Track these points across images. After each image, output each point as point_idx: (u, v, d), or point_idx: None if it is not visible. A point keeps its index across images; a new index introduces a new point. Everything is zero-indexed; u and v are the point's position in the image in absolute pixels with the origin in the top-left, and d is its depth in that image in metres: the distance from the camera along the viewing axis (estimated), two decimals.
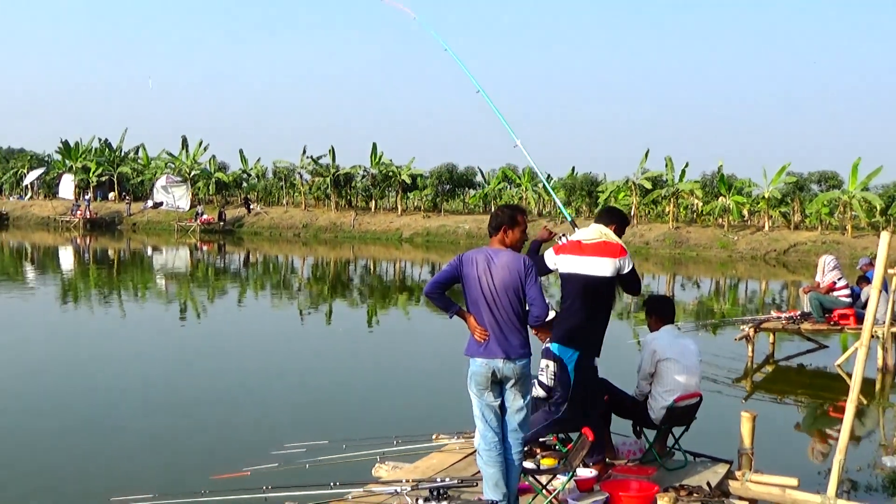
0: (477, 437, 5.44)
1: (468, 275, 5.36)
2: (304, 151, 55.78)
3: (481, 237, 49.44)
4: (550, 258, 6.28)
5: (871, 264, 16.05)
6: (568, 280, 6.14)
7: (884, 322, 14.10)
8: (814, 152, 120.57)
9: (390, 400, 12.02)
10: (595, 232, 6.13)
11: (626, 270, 6.12)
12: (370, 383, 13.24)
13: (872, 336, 14.01)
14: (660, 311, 6.82)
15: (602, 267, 6.02)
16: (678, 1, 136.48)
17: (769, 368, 15.49)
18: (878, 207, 44.20)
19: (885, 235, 6.07)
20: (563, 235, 6.51)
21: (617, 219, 6.39)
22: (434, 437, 7.35)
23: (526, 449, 6.37)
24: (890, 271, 14.82)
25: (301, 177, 56.84)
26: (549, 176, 53.72)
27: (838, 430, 11.62)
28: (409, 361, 15.49)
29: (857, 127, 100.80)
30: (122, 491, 6.27)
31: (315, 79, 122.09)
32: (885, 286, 14.58)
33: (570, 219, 6.92)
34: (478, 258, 5.40)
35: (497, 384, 5.36)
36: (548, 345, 6.36)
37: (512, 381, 5.37)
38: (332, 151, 54.83)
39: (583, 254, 6.05)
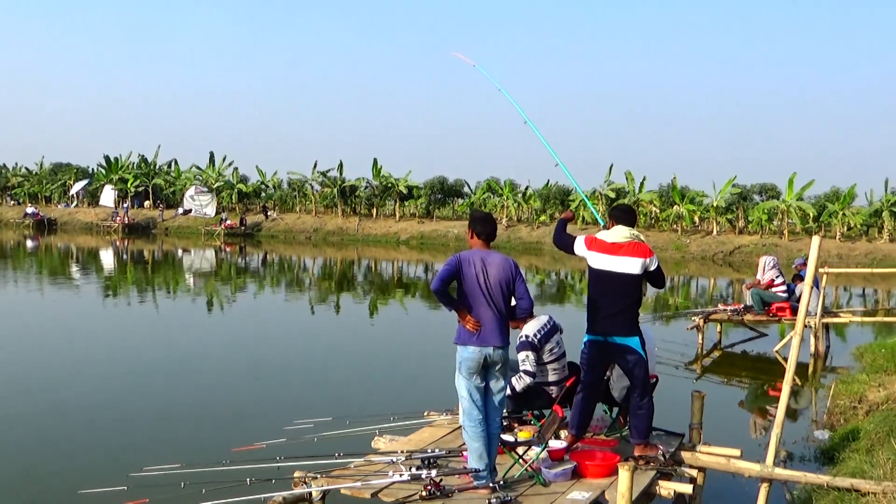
0: (462, 414, 5.41)
1: (467, 273, 5.33)
2: (315, 166, 55.73)
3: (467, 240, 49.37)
4: (581, 248, 6.15)
5: (805, 264, 16.08)
6: (602, 275, 6.01)
7: (816, 314, 14.15)
8: (756, 166, 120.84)
9: (388, 381, 11.98)
10: (626, 233, 6.01)
11: (652, 268, 6.03)
12: (370, 367, 13.19)
13: (805, 326, 14.13)
14: None
15: (634, 266, 5.93)
16: (638, 25, 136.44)
17: (717, 354, 15.53)
18: (811, 215, 44.33)
19: (815, 240, 6.08)
20: (604, 226, 6.42)
21: (635, 218, 6.33)
22: (426, 413, 7.31)
23: (505, 423, 6.37)
24: (821, 270, 14.91)
25: (312, 187, 56.70)
26: (527, 186, 53.84)
27: (776, 408, 11.68)
28: (404, 347, 15.46)
29: (793, 144, 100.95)
30: (154, 461, 6.21)
31: (326, 100, 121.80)
32: (816, 283, 14.61)
33: (602, 224, 6.87)
34: (474, 258, 5.38)
35: (484, 368, 5.34)
36: (526, 337, 6.33)
37: (498, 366, 5.37)
38: (341, 165, 54.85)
39: (617, 254, 5.94)
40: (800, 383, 12.53)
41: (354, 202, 56.26)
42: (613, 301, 5.94)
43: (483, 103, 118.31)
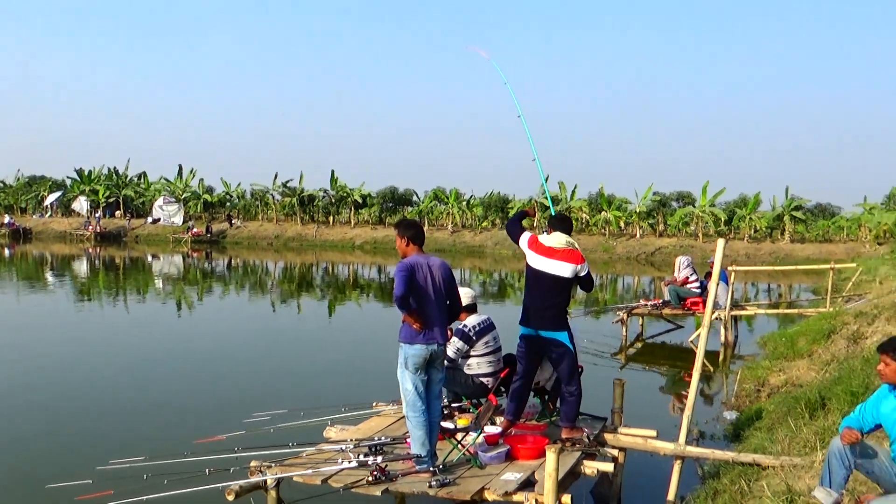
0: (406, 406, 5.37)
1: (418, 278, 5.30)
2: (276, 177, 55.20)
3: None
4: (524, 244, 6.23)
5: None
6: (537, 275, 6.10)
7: (725, 307, 14.44)
8: (674, 175, 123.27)
9: (340, 375, 11.86)
10: (563, 240, 6.11)
11: (582, 274, 6.14)
12: (325, 362, 13.06)
13: (716, 318, 14.43)
14: None
15: (566, 270, 6.02)
16: (556, 43, 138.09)
17: (639, 345, 15.71)
18: (722, 219, 45.39)
19: (720, 242, 6.20)
20: (544, 231, 6.51)
21: (571, 227, 6.44)
22: (374, 404, 7.26)
23: (446, 412, 6.36)
24: (730, 268, 15.23)
25: (273, 197, 56.07)
26: (472, 195, 54.04)
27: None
28: (357, 343, 15.33)
29: (706, 154, 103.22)
30: (120, 456, 6.04)
31: (288, 114, 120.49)
32: (725, 279, 14.94)
33: (553, 212, 6.94)
34: (420, 263, 5.35)
35: (428, 363, 5.31)
36: (464, 326, 6.34)
37: (439, 360, 5.36)
38: (301, 176, 54.44)
39: (552, 257, 6.04)
40: (711, 369, 12.74)
41: (313, 210, 55.83)
42: (545, 299, 6.03)
43: (429, 116, 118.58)
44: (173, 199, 56.14)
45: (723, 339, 14.38)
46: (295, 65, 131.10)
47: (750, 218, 44.99)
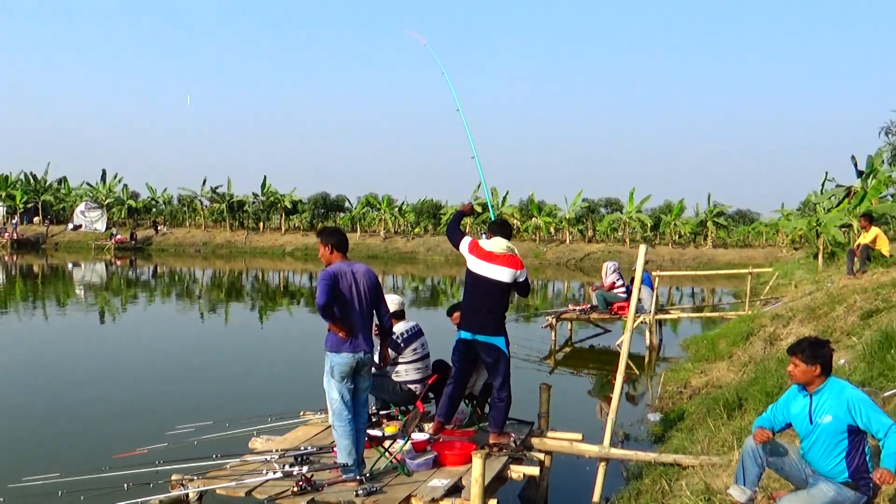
0: (332, 415, 5.31)
1: (343, 286, 5.25)
2: (205, 182, 54.01)
3: (349, 250, 48.96)
4: (464, 248, 6.26)
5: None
6: (477, 279, 6.13)
7: (650, 311, 14.79)
8: (602, 181, 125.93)
9: (267, 384, 11.62)
10: (503, 245, 6.17)
11: (521, 279, 6.21)
12: (252, 371, 12.78)
13: (641, 322, 14.77)
14: None
15: (505, 275, 6.09)
16: (491, 55, 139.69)
17: (568, 349, 15.93)
18: (649, 225, 46.56)
19: (642, 247, 6.35)
20: (484, 234, 6.49)
21: (511, 232, 6.53)
22: (301, 413, 7.16)
23: (373, 420, 6.32)
24: (654, 273, 15.61)
25: (201, 203, 54.88)
26: (404, 200, 54.02)
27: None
28: (285, 351, 15.08)
29: (633, 161, 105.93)
30: (35, 473, 5.79)
31: (215, 118, 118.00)
32: (650, 284, 15.30)
33: (493, 217, 6.94)
34: (345, 271, 5.30)
35: (352, 372, 5.27)
36: (392, 333, 6.30)
37: (365, 368, 5.32)
38: (229, 182, 53.45)
39: (492, 262, 6.09)
40: (637, 372, 13.04)
41: (242, 217, 54.85)
42: (484, 303, 6.08)
43: (362, 122, 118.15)
44: (96, 205, 54.31)
45: (648, 342, 14.71)
46: (223, 67, 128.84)
47: (675, 224, 46.31)
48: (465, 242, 6.27)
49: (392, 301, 6.34)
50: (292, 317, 21.50)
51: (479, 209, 49.04)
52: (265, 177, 53.16)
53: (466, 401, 6.70)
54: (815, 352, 4.19)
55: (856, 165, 25.53)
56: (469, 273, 6.20)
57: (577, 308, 15.89)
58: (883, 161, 22.75)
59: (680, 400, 9.48)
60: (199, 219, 55.15)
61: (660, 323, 15.72)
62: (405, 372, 6.38)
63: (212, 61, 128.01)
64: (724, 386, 8.81)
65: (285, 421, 7.01)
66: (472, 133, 7.69)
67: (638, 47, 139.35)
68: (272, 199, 52.63)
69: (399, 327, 6.53)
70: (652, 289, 15.05)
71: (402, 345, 6.48)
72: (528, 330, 17.33)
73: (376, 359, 5.60)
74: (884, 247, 12.70)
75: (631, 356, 14.51)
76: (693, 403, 8.49)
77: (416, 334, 6.57)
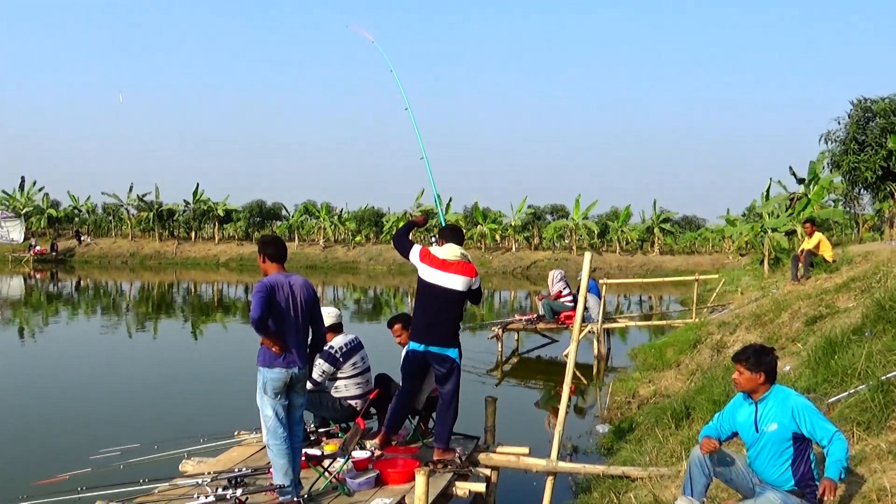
0: (266, 434, 5.22)
1: (279, 298, 5.16)
2: (131, 189, 52.77)
3: (287, 260, 48.43)
4: (415, 257, 6.14)
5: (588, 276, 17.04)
6: (430, 288, 6.04)
7: (597, 320, 14.98)
8: (548, 187, 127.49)
9: (200, 404, 11.38)
10: (457, 252, 6.08)
11: (475, 287, 6.14)
12: (183, 389, 12.49)
13: (589, 331, 14.97)
14: (408, 324, 6.78)
15: (459, 283, 6.00)
16: (434, 60, 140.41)
17: (515, 360, 16.01)
18: (596, 232, 47.28)
19: (587, 255, 6.43)
20: (434, 238, 6.43)
21: (463, 238, 6.41)
22: (236, 433, 7.02)
23: (312, 438, 6.25)
24: (601, 281, 15.82)
25: (128, 211, 53.60)
26: (345, 205, 53.70)
27: (568, 405, 12.27)
28: (218, 368, 14.79)
29: (579, 166, 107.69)
30: None
31: (142, 121, 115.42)
32: (597, 292, 15.51)
33: (443, 223, 6.86)
34: (281, 283, 5.21)
35: (288, 388, 5.19)
36: (331, 348, 6.23)
37: (300, 384, 5.24)
38: (157, 189, 52.33)
39: (446, 270, 6.00)
40: (585, 383, 13.17)
41: (172, 226, 53.77)
42: (438, 314, 6.01)
43: (301, 125, 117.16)
44: (12, 214, 52.52)
45: (596, 351, 14.89)
46: (150, 67, 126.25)
47: (621, 231, 47.10)
48: (416, 251, 6.19)
49: (329, 314, 6.27)
50: (227, 331, 21.12)
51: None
52: (198, 184, 52.32)
53: (410, 416, 6.66)
54: (760, 359, 4.30)
55: (795, 175, 26.47)
56: (421, 282, 6.12)
57: (524, 318, 16.00)
58: (823, 167, 23.59)
59: (628, 410, 9.62)
60: (126, 228, 53.90)
61: (608, 332, 15.94)
62: (345, 387, 6.31)
63: (139, 60, 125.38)
64: (672, 395, 8.97)
65: (219, 441, 6.85)
66: (414, 137, 7.60)
67: (582, 52, 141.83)
68: (204, 207, 51.72)
69: (337, 341, 6.46)
70: (599, 297, 15.26)
71: (340, 359, 6.41)
72: (473, 341, 17.35)
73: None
74: (827, 252, 13.14)
75: (579, 366, 14.86)
76: (641, 414, 8.63)
77: (355, 348, 6.51)
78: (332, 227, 52.67)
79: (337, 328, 6.48)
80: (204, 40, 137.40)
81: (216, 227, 53.06)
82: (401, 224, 45.21)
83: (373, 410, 6.56)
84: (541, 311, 15.70)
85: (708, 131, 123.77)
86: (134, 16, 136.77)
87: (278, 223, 54.70)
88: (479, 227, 48.59)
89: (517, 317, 16.43)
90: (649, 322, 18.61)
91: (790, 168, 26.01)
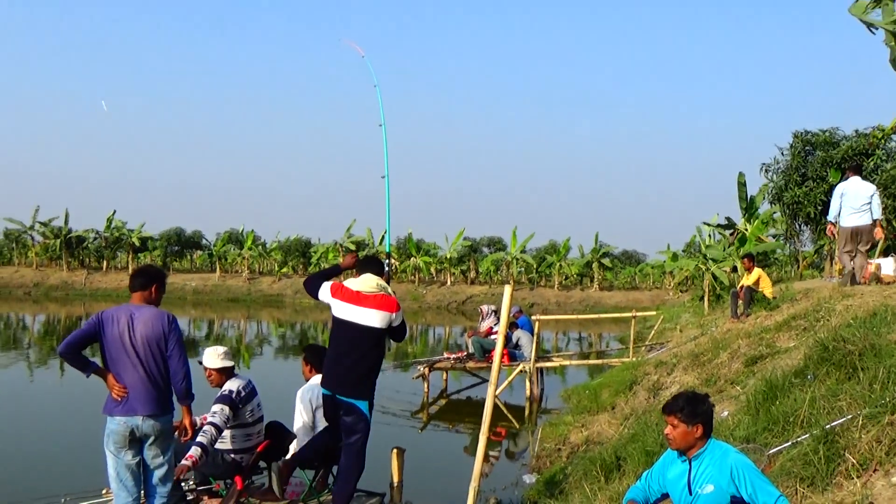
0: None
1: (109, 333, 4.62)
2: (36, 213, 50.72)
3: (207, 292, 47.27)
4: (325, 294, 5.62)
5: (521, 312, 16.72)
6: (343, 325, 5.52)
7: (530, 359, 14.62)
8: (484, 220, 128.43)
9: (70, 456, 10.34)
10: (374, 283, 5.58)
11: (396, 324, 5.64)
12: (52, 440, 11.35)
13: (521, 371, 14.59)
14: (316, 361, 6.24)
15: (377, 319, 5.50)
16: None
17: (443, 401, 15.54)
18: (534, 266, 47.39)
19: (507, 288, 6.02)
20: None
21: (382, 269, 5.90)
22: (104, 491, 6.32)
23: (190, 497, 5.63)
24: (534, 318, 15.50)
25: (32, 238, 51.50)
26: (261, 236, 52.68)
27: (498, 451, 11.83)
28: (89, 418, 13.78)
29: (516, 199, 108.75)
30: None
31: (51, 140, 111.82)
32: (531, 329, 15.18)
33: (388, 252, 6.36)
34: (119, 316, 4.67)
35: (136, 442, 4.60)
36: (230, 392, 5.63)
37: (152, 439, 4.64)
38: (66, 215, 50.39)
39: (362, 304, 5.49)
40: (517, 426, 12.77)
41: (82, 254, 51.88)
42: (350, 354, 5.51)
43: (221, 150, 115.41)
44: None
45: (528, 392, 14.51)
46: (61, 83, 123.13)
47: (560, 265, 47.27)
48: (326, 288, 5.68)
49: (217, 354, 5.69)
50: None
51: (353, 247, 48.48)
52: (114, 210, 50.72)
53: (305, 471, 6.07)
54: (696, 408, 3.90)
55: (728, 221, 26.80)
56: (334, 320, 5.62)
57: (452, 356, 15.54)
58: (764, 198, 23.94)
59: (558, 458, 9.20)
60: (30, 256, 51.71)
61: (541, 371, 15.57)
62: (231, 439, 5.68)
63: (46, 72, 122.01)
64: (605, 442, 8.59)
65: (85, 500, 6.15)
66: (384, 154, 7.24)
67: (518, 81, 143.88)
68: (118, 234, 50.07)
69: (235, 383, 5.81)
70: (532, 334, 14.92)
71: (238, 404, 5.78)
72: (397, 381, 16.82)
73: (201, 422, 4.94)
74: (767, 288, 13.08)
75: (511, 408, 14.46)
76: (571, 463, 8.21)
77: (251, 393, 5.89)
78: (258, 257, 51.61)
79: (228, 371, 5.84)
80: (122, 57, 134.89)
81: (130, 255, 51.39)
82: (325, 265, 44.49)
83: (262, 464, 5.95)
84: (470, 349, 15.27)
85: (650, 164, 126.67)
86: (42, 22, 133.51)
87: (199, 252, 53.39)
88: (412, 259, 48.20)
89: (446, 355, 15.95)
90: (585, 361, 18.35)
91: (717, 215, 26.57)
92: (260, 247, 51.53)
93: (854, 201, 10.47)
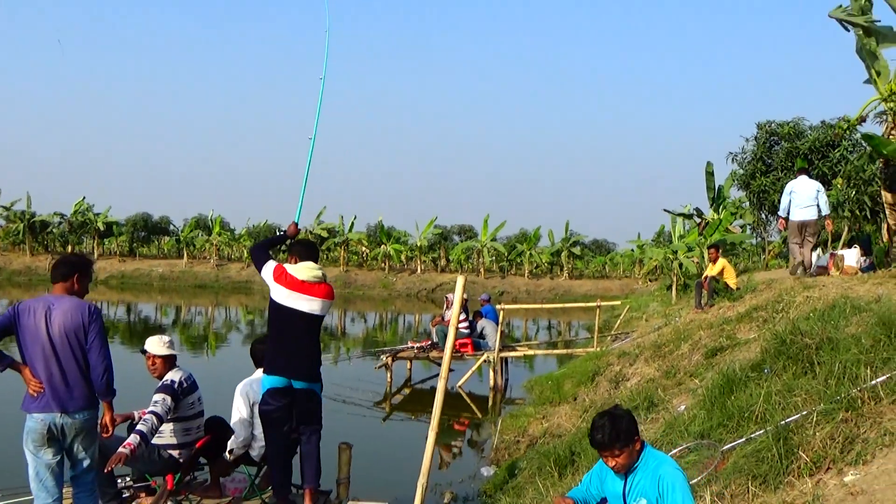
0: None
1: (25, 325, 4.38)
2: None
3: (174, 279, 46.70)
4: (268, 275, 5.49)
5: (488, 300, 16.58)
6: (287, 313, 5.41)
7: (494, 348, 14.49)
8: (455, 208, 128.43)
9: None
10: (317, 272, 5.52)
11: (327, 311, 5.63)
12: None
13: (485, 360, 14.46)
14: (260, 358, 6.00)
15: (318, 306, 5.48)
16: (348, 78, 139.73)
17: (407, 391, 15.36)
18: (504, 254, 47.31)
19: (459, 279, 5.86)
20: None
21: (318, 254, 5.85)
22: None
23: (127, 494, 5.40)
24: (499, 307, 15.36)
25: None
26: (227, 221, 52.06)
27: (460, 442, 11.69)
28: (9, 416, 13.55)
29: (487, 187, 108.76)
30: None
31: (13, 120, 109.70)
32: (495, 318, 15.04)
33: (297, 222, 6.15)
34: (36, 307, 4.43)
35: (56, 440, 4.36)
36: (172, 381, 5.37)
37: (72, 436, 4.40)
38: (29, 198, 49.38)
39: (307, 293, 5.43)
40: (480, 416, 12.65)
41: (46, 239, 50.91)
42: (298, 342, 5.43)
43: (192, 136, 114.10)
44: None
45: (492, 382, 14.38)
46: (34, 62, 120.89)
47: (530, 253, 47.24)
48: (270, 268, 5.53)
49: (160, 341, 5.44)
50: None
51: (324, 234, 48.06)
52: (83, 196, 49.78)
53: (248, 467, 5.85)
54: (625, 428, 3.68)
55: (697, 211, 26.84)
56: (276, 307, 5.47)
57: (416, 346, 15.35)
58: (733, 184, 23.99)
59: (517, 451, 9.06)
60: None
61: (505, 361, 15.44)
62: (169, 433, 5.41)
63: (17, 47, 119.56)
64: (563, 435, 8.47)
65: (16, 498, 5.88)
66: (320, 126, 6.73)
67: (492, 68, 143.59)
68: (83, 219, 49.18)
69: (176, 374, 5.54)
70: (497, 323, 14.78)
71: (179, 394, 5.51)
72: (361, 370, 16.61)
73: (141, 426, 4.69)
74: (730, 279, 13.03)
75: (474, 397, 14.33)
76: (526, 457, 8.07)
77: (192, 385, 5.64)
78: (226, 243, 51.05)
79: (171, 360, 5.57)
80: (90, 39, 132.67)
81: (96, 241, 50.55)
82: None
83: (202, 461, 5.71)
84: (434, 338, 15.09)
85: (621, 152, 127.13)
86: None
87: (166, 238, 52.66)
88: (382, 246, 47.91)
89: (410, 344, 15.76)
90: (549, 350, 18.26)
91: (689, 206, 26.59)
92: (228, 233, 50.95)
93: (801, 198, 11.54)
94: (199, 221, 50.82)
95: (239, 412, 5.69)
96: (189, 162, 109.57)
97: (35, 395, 4.34)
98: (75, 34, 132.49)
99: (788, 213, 11.67)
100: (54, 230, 50.18)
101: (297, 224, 6.00)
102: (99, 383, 4.49)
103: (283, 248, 5.86)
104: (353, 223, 49.63)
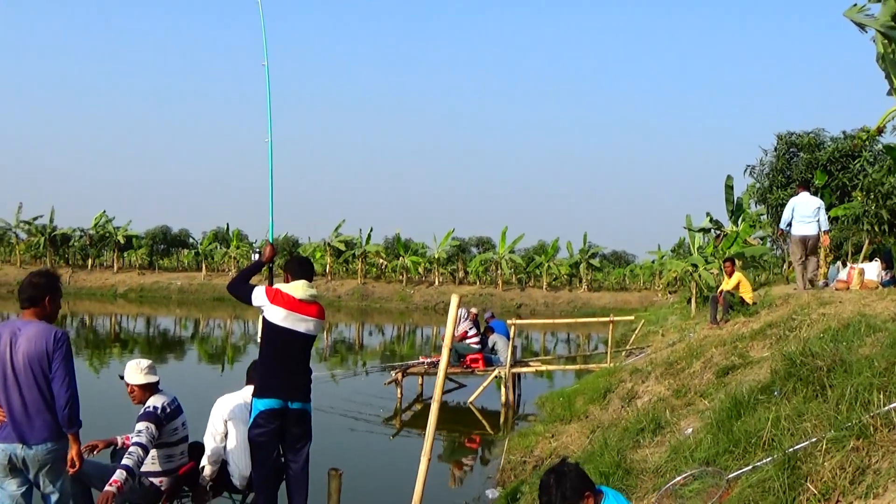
0: None
1: None
2: (20, 210, 50.11)
3: (192, 292, 46.83)
4: (260, 298, 5.39)
5: (493, 316, 16.38)
6: (283, 333, 5.32)
7: (505, 364, 14.26)
8: (473, 220, 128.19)
9: None
10: (312, 290, 5.48)
11: (321, 330, 5.63)
12: None
13: (496, 376, 14.21)
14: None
15: (314, 326, 5.46)
16: (364, 90, 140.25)
17: (418, 407, 15.14)
18: (522, 266, 47.01)
19: (454, 298, 5.68)
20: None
21: (313, 272, 5.76)
22: None
23: None
24: (509, 322, 15.12)
25: (16, 236, 50.89)
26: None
27: (471, 459, 11.46)
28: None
29: (505, 199, 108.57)
30: None
31: (35, 133, 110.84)
32: (507, 333, 14.81)
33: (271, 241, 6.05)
34: (2, 332, 4.26)
35: (18, 472, 4.19)
36: (154, 408, 5.21)
37: (35, 469, 4.22)
38: (53, 212, 49.84)
39: (304, 313, 5.38)
40: (492, 433, 12.43)
41: (67, 252, 51.30)
42: (295, 362, 5.37)
43: (213, 150, 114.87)
44: None
45: (504, 398, 14.14)
46: (49, 79, 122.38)
47: (549, 265, 46.89)
48: (260, 292, 5.44)
49: (137, 368, 5.27)
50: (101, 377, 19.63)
51: (342, 247, 48.01)
52: (104, 210, 50.14)
53: (233, 496, 5.66)
54: (573, 485, 3.59)
55: (710, 218, 26.43)
56: (270, 327, 5.36)
57: (427, 361, 15.15)
58: (751, 198, 23.62)
59: (523, 472, 8.82)
60: (14, 254, 51.12)
61: (518, 376, 15.19)
62: (151, 460, 5.23)
63: (28, 70, 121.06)
64: (570, 455, 8.21)
65: None
66: (272, 99, 6.47)
67: (511, 80, 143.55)
68: (102, 232, 49.51)
69: (158, 399, 5.37)
70: (508, 338, 14.55)
71: (163, 421, 5.34)
72: (371, 386, 16.40)
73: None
74: (746, 293, 12.72)
75: (486, 413, 14.08)
76: (530, 480, 7.83)
77: (176, 410, 5.46)
78: (244, 256, 51.20)
79: (153, 387, 5.40)
80: (108, 54, 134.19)
81: (116, 254, 50.86)
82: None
83: (186, 489, 5.53)
84: None
85: (640, 164, 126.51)
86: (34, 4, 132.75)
87: (185, 251, 52.89)
88: (400, 259, 47.78)
89: (421, 359, 15.56)
90: (562, 366, 17.92)
91: (707, 214, 26.21)
92: (247, 246, 51.09)
93: (804, 214, 12.23)
94: (218, 234, 51.02)
95: (213, 426, 5.54)
96: (209, 175, 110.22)
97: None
98: (94, 49, 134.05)
99: (790, 226, 12.40)
100: (75, 244, 50.55)
101: (272, 244, 5.88)
102: (62, 414, 4.28)
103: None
104: (370, 235, 49.58)
